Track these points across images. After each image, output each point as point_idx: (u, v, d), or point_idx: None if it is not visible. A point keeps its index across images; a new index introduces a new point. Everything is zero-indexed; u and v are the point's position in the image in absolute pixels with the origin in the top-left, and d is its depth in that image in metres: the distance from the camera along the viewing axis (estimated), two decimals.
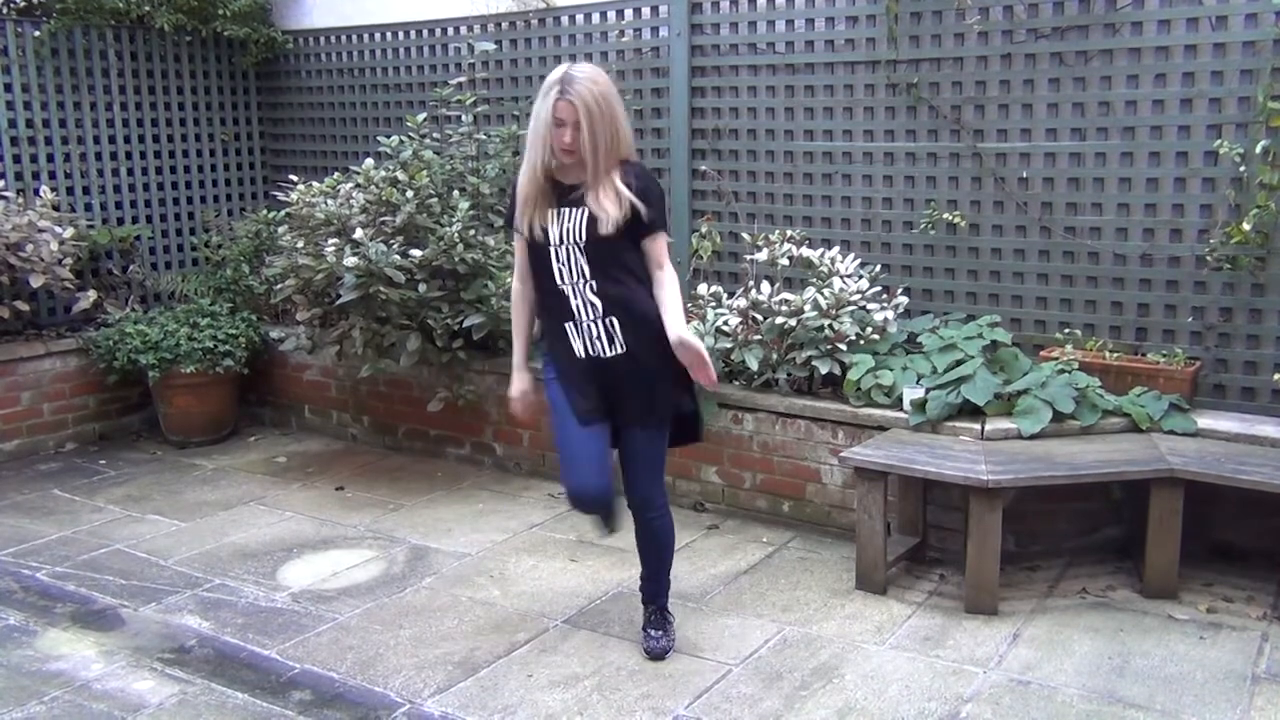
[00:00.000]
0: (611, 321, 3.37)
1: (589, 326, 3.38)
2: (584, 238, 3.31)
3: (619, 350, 3.38)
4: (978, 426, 4.32)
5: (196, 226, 6.96)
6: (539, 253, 3.39)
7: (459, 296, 5.25)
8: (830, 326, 4.65)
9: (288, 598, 4.17)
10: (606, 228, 3.27)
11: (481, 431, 5.75)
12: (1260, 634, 3.74)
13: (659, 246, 3.38)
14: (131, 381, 6.25)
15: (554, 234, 3.34)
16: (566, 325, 3.41)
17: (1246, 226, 4.22)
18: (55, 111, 6.29)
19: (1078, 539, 4.45)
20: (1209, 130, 4.35)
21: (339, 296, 5.09)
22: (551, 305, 3.44)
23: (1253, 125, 4.23)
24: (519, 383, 3.64)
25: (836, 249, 4.98)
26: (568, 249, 3.34)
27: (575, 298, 3.37)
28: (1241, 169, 4.26)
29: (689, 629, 3.83)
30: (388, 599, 4.15)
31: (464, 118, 5.63)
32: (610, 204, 3.27)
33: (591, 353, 3.40)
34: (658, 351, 3.34)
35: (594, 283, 3.34)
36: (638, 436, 3.48)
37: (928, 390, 4.43)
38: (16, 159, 6.15)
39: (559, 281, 3.38)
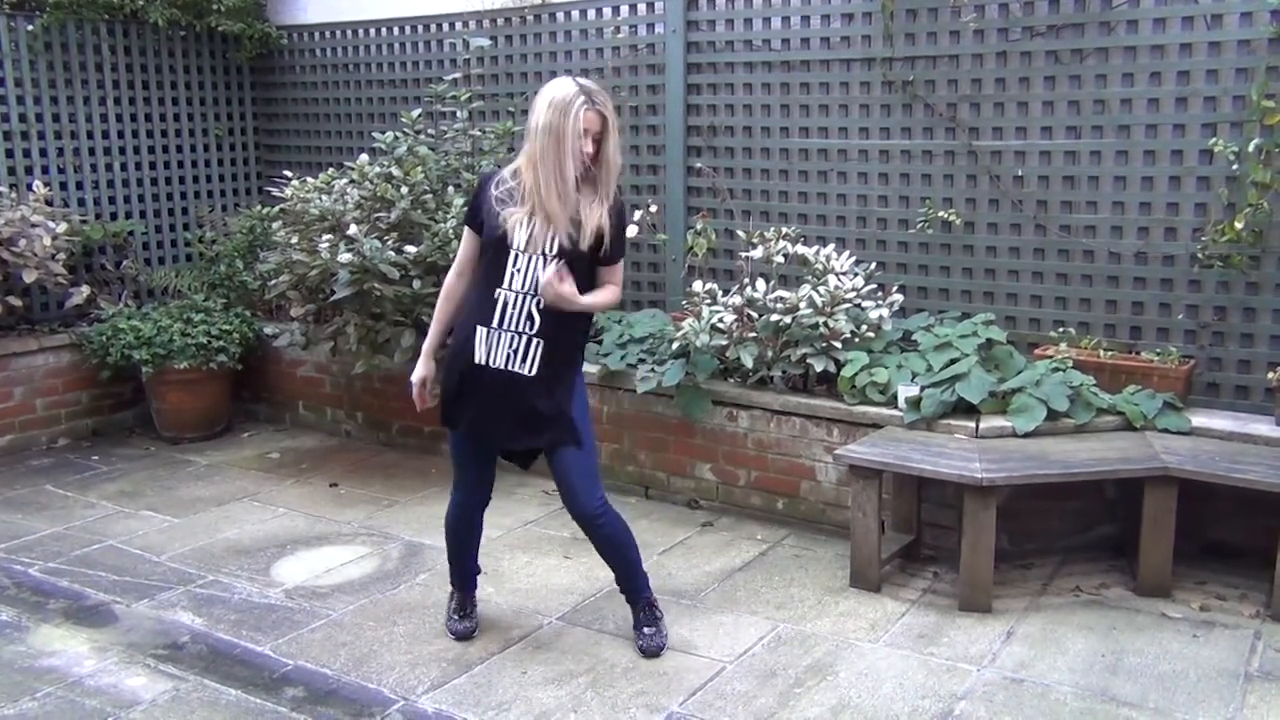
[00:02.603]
0: (537, 343, 3.35)
1: (504, 336, 3.35)
2: (553, 249, 3.31)
3: (528, 371, 3.36)
4: (972, 424, 4.32)
5: (190, 222, 6.94)
6: (497, 254, 3.35)
7: None
8: (825, 324, 4.65)
9: (281, 594, 4.16)
10: (581, 244, 3.32)
11: None
12: (1253, 632, 3.75)
13: (617, 271, 3.50)
14: (125, 377, 6.24)
15: (519, 239, 3.31)
16: (477, 328, 3.37)
17: (1239, 225, 4.23)
18: (48, 106, 6.26)
19: (1072, 537, 4.45)
20: (1204, 129, 4.35)
21: (333, 293, 5.08)
22: (476, 307, 3.40)
23: (1247, 124, 4.24)
24: (423, 369, 3.61)
25: (832, 246, 4.97)
26: (530, 257, 3.32)
27: (511, 306, 3.33)
28: (1235, 167, 4.27)
29: (683, 626, 3.83)
30: (382, 595, 4.14)
31: (459, 114, 5.61)
32: (592, 223, 3.32)
33: (492, 363, 3.36)
34: (566, 381, 3.43)
35: (540, 299, 3.34)
36: (570, 455, 3.47)
37: (922, 388, 4.43)
38: (9, 153, 6.13)
39: (504, 286, 3.34)
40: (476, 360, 3.37)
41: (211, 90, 7.01)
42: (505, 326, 3.34)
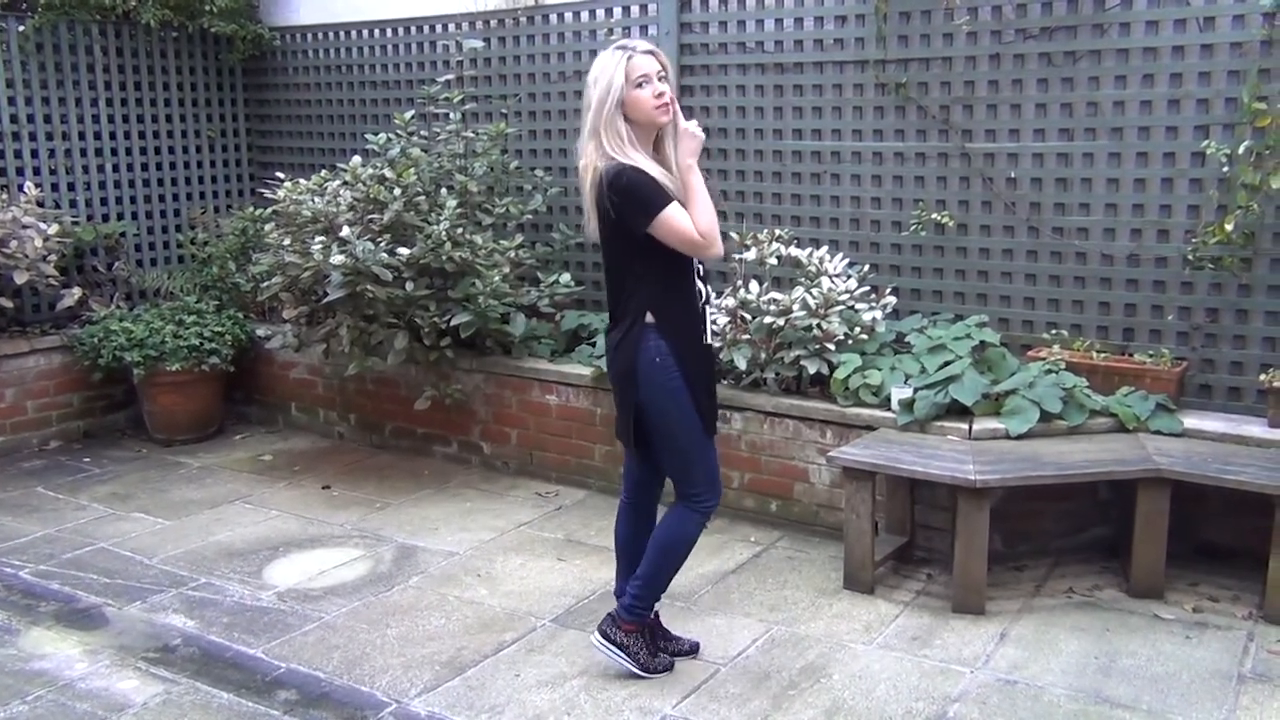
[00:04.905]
0: (712, 313, 3.38)
1: (706, 310, 3.35)
2: None
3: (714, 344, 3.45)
4: (965, 426, 4.33)
5: (183, 223, 6.93)
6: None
7: (446, 295, 5.23)
8: (819, 326, 4.65)
9: (273, 597, 4.15)
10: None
11: (469, 430, 5.74)
12: (1246, 633, 3.76)
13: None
14: (116, 379, 6.22)
15: None
16: (705, 309, 3.33)
17: (1229, 227, 4.24)
18: (40, 107, 6.25)
19: (1065, 539, 4.46)
20: (1196, 131, 4.36)
21: (326, 294, 5.07)
22: (691, 287, 3.30)
23: (1238, 126, 4.25)
24: None
25: (825, 248, 4.98)
26: None
27: (699, 280, 3.33)
28: (1226, 169, 4.28)
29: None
30: (374, 598, 4.13)
31: (452, 116, 5.61)
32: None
33: (713, 341, 3.42)
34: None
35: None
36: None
37: (916, 390, 4.43)
38: (0, 154, 6.11)
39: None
40: (705, 341, 3.35)
41: (204, 91, 7.00)
42: (705, 301, 3.35)
